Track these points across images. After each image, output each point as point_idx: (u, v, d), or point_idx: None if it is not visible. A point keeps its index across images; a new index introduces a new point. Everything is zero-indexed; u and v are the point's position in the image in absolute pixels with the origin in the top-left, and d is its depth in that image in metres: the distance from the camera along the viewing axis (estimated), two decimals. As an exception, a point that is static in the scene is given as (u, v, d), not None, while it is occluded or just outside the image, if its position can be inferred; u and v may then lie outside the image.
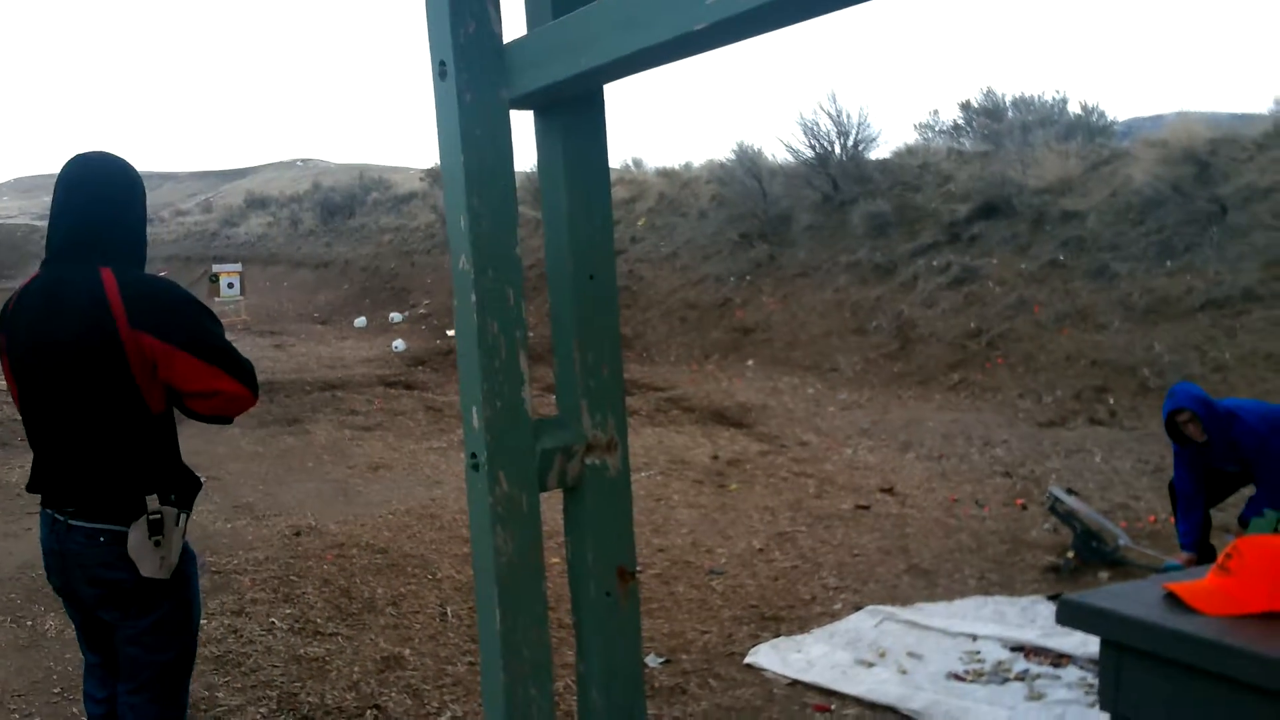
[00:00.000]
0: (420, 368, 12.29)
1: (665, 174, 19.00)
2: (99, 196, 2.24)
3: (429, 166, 28.75)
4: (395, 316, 17.98)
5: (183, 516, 2.28)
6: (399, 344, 14.26)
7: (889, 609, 4.29)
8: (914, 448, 7.52)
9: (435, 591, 4.60)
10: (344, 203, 28.52)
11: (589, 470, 1.65)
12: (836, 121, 14.49)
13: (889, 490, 6.34)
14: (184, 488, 2.31)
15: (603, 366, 1.66)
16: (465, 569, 4.92)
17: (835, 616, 4.30)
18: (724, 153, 16.86)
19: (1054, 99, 15.45)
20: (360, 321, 18.22)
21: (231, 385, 2.22)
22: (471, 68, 1.50)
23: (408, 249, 21.91)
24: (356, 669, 3.76)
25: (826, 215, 13.86)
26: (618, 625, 1.66)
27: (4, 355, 2.30)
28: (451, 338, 15.06)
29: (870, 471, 6.87)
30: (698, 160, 19.01)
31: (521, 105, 1.60)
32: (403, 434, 8.42)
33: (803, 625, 4.21)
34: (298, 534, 5.45)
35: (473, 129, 1.51)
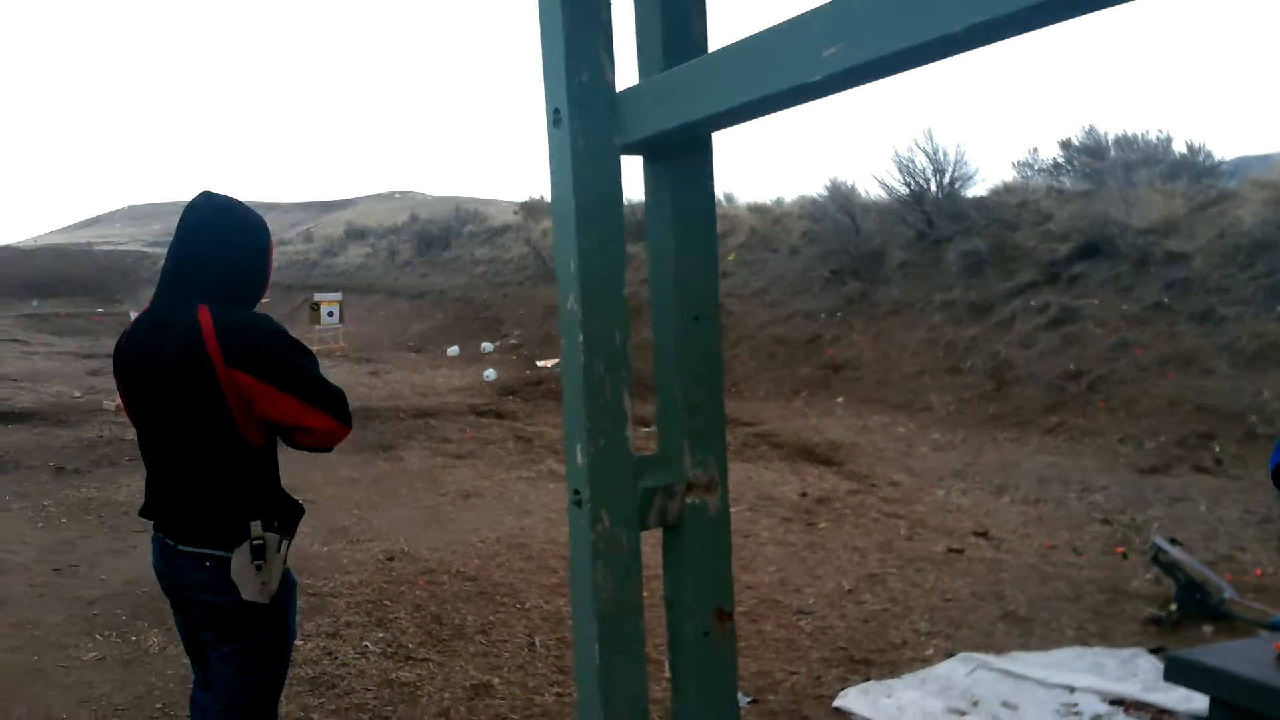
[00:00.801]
0: (511, 397, 12.45)
1: (757, 209, 19.02)
2: (210, 238, 2.33)
3: (523, 200, 29.28)
4: (487, 346, 18.27)
5: (284, 543, 2.35)
6: (490, 373, 14.47)
7: (982, 656, 4.19)
8: (1009, 491, 7.36)
9: (524, 621, 4.65)
10: (439, 234, 29.17)
11: (689, 509, 1.67)
12: (932, 158, 14.36)
13: (983, 534, 6.21)
14: (286, 515, 2.38)
15: (705, 407, 1.68)
16: (553, 599, 4.96)
17: (927, 662, 4.22)
18: (816, 189, 16.85)
19: (1158, 137, 15.10)
20: (453, 351, 18.54)
21: (324, 421, 2.30)
22: (585, 115, 1.55)
23: (500, 280, 22.28)
24: (447, 695, 3.81)
25: (920, 253, 13.71)
26: (714, 665, 1.67)
27: (120, 383, 2.41)
28: (541, 368, 15.24)
29: (963, 514, 6.74)
30: (789, 196, 19.01)
31: (632, 151, 1.63)
32: (493, 463, 8.54)
33: (893, 670, 4.14)
34: (391, 559, 5.56)
35: (584, 174, 1.55)
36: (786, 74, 1.20)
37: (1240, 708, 1.72)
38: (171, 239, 2.40)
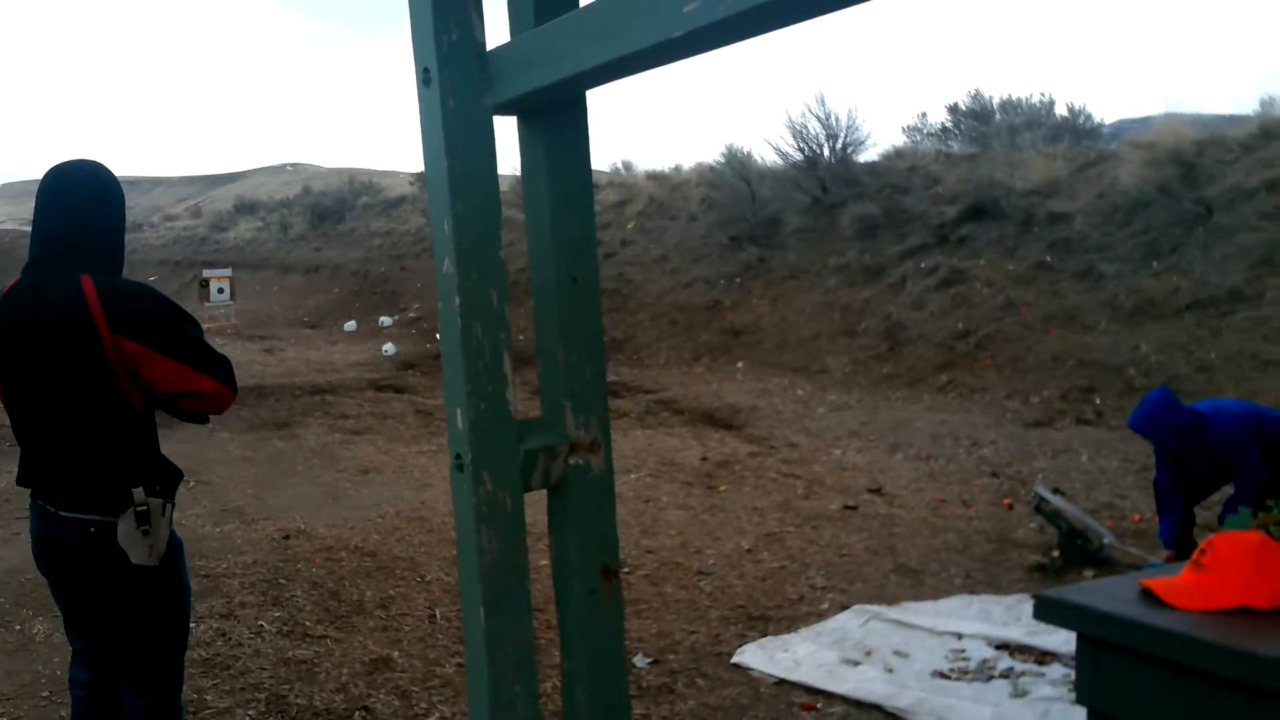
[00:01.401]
0: (410, 371, 12.29)
1: (655, 177, 19.06)
2: (77, 204, 2.32)
3: (418, 171, 28.78)
4: (385, 320, 17.98)
5: (168, 506, 2.37)
6: (389, 348, 14.26)
7: (876, 608, 4.32)
8: (902, 448, 7.56)
9: (424, 594, 4.62)
10: (334, 207, 28.52)
11: (572, 470, 1.67)
12: (825, 124, 14.55)
13: (877, 491, 6.38)
14: (167, 479, 2.40)
15: (586, 368, 1.68)
16: (454, 571, 4.93)
17: (822, 616, 4.33)
18: (713, 155, 16.95)
19: (1041, 101, 15.56)
20: (350, 325, 18.21)
21: (210, 384, 2.32)
22: (455, 74, 1.52)
23: (397, 253, 21.92)
24: (345, 671, 3.77)
25: (816, 218, 13.92)
26: (602, 623, 1.68)
27: None
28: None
29: (858, 472, 6.90)
30: (687, 163, 19.11)
31: (504, 111, 1.62)
32: (392, 437, 8.43)
33: (790, 625, 4.23)
34: (287, 537, 5.46)
35: (456, 135, 1.53)
36: (650, 30, 1.20)
37: (1106, 642, 1.80)
38: (35, 210, 2.36)
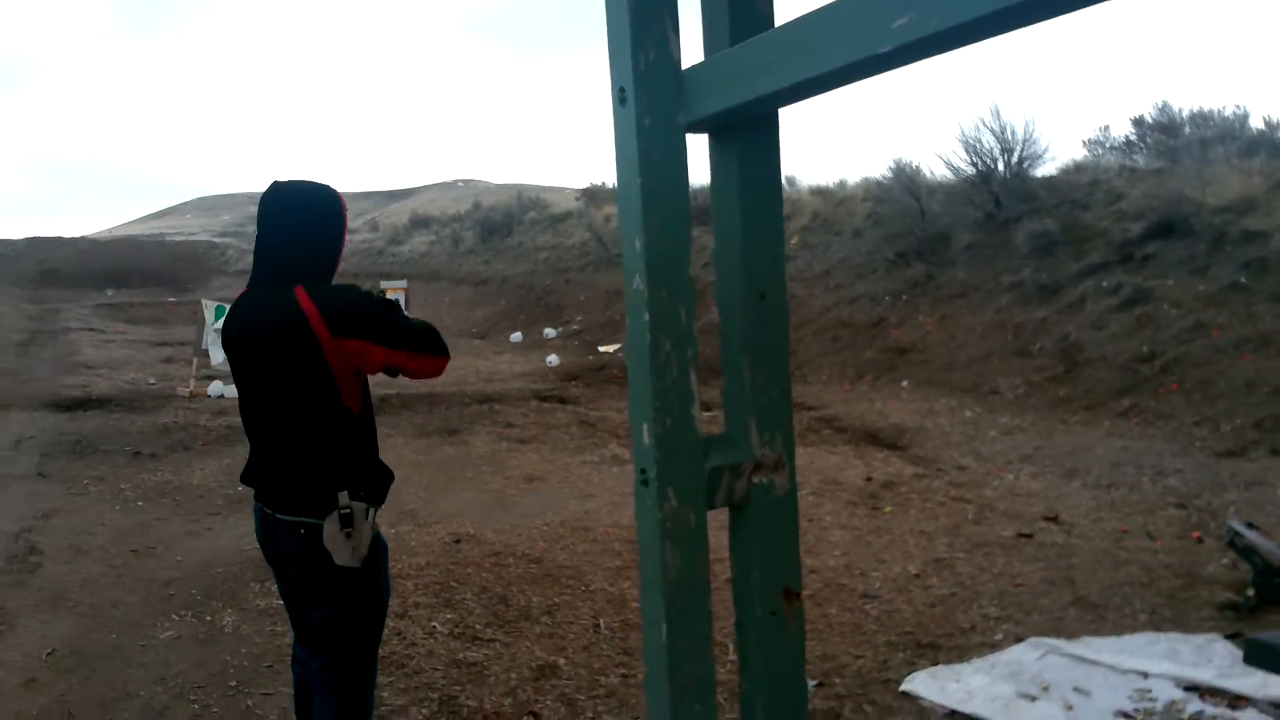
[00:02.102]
0: (573, 383, 12.51)
1: (820, 192, 18.85)
2: (297, 222, 2.49)
3: (584, 186, 29.33)
4: (549, 332, 18.37)
5: (371, 510, 2.53)
6: (553, 359, 14.55)
7: (1053, 641, 4.13)
8: (1080, 475, 7.22)
9: (589, 603, 4.68)
10: (502, 221, 29.35)
11: (756, 489, 1.66)
12: (999, 137, 14.08)
13: (1053, 519, 6.10)
14: (376, 483, 2.57)
15: (772, 386, 1.66)
16: (617, 582, 4.98)
17: (996, 647, 4.17)
18: (880, 170, 16.64)
19: (1234, 114, 14.67)
20: (516, 337, 18.67)
21: (430, 362, 2.55)
22: (651, 94, 1.54)
23: (562, 266, 22.37)
24: (513, 675, 3.85)
25: (988, 234, 13.48)
26: (782, 645, 1.66)
27: (230, 359, 2.61)
28: (604, 353, 15.29)
29: (1033, 499, 6.63)
30: (853, 178, 18.81)
31: (698, 129, 1.62)
32: (557, 447, 8.59)
33: (961, 654, 4.09)
34: (457, 541, 5.63)
35: (650, 153, 1.54)
36: (855, 46, 1.18)
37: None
38: (259, 225, 2.55)
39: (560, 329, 18.47)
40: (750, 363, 1.59)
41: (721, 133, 1.59)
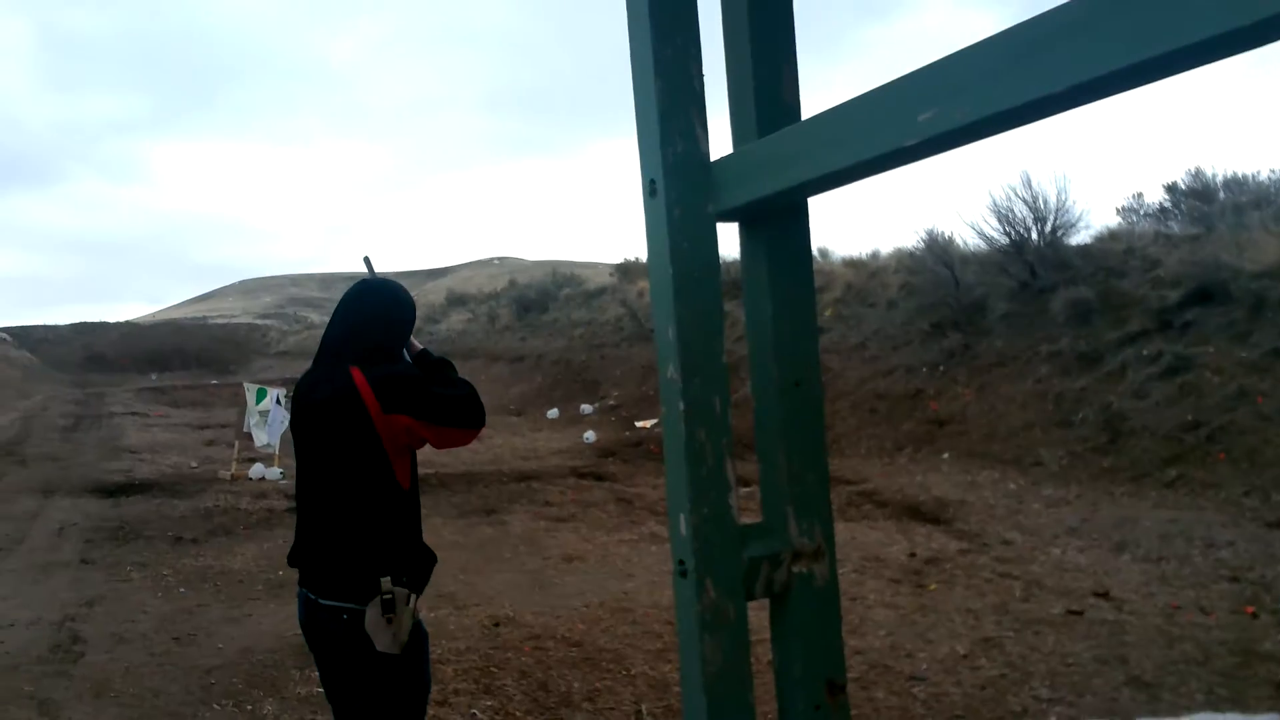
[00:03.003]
0: (610, 459, 12.49)
1: (852, 264, 18.88)
2: (363, 313, 2.68)
3: (618, 262, 29.63)
4: (586, 408, 18.40)
5: (413, 597, 2.54)
6: (589, 435, 14.56)
7: (1108, 725, 4.00)
8: (1129, 549, 7.06)
9: (629, 688, 4.61)
10: (537, 298, 29.65)
11: (796, 579, 1.64)
12: (1032, 206, 14.07)
13: (1103, 594, 5.96)
14: (418, 567, 2.60)
15: (809, 474, 1.65)
16: (658, 665, 4.91)
17: (1048, 731, 4.05)
18: (912, 240, 16.66)
19: (1269, 178, 14.60)
20: (553, 413, 18.72)
21: (468, 436, 2.62)
22: (679, 185, 1.56)
23: (598, 342, 22.48)
24: (554, 765, 3.79)
25: (1024, 303, 13.41)
26: (828, 740, 1.62)
27: (294, 436, 2.71)
28: (640, 429, 15.27)
29: (1081, 574, 6.48)
30: (885, 248, 18.81)
31: (727, 218, 1.64)
32: (594, 525, 8.55)
33: (1012, 739, 3.98)
34: (496, 625, 5.58)
35: (680, 243, 1.56)
36: (882, 139, 1.19)
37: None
38: (333, 315, 2.74)
39: (596, 404, 18.50)
40: (786, 451, 1.59)
41: (751, 222, 1.60)
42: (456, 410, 2.57)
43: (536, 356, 24.03)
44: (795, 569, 1.57)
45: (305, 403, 2.63)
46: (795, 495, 1.58)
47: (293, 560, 2.67)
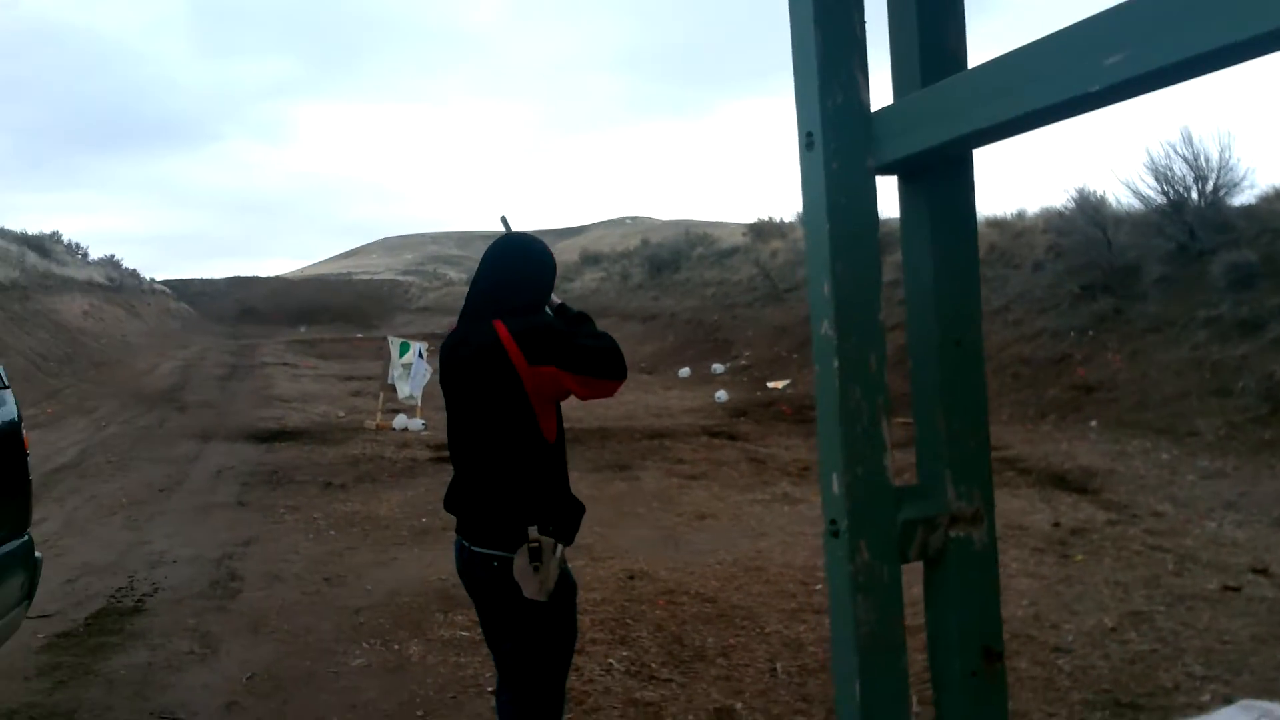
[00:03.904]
0: (742, 419, 12.46)
1: (996, 224, 18.25)
2: (505, 269, 2.73)
3: (751, 222, 29.37)
4: (717, 368, 18.38)
5: (559, 546, 2.59)
6: (721, 395, 14.54)
7: (1266, 705, 3.80)
8: (1292, 524, 6.68)
9: (764, 645, 4.61)
10: (669, 258, 29.68)
11: (953, 543, 1.59)
12: (1192, 165, 13.31)
13: (1263, 571, 5.66)
14: (566, 517, 2.65)
15: (969, 436, 1.60)
16: (792, 625, 4.90)
17: (1202, 709, 3.88)
18: (1061, 199, 15.97)
19: None
20: (684, 372, 18.77)
21: (611, 387, 2.65)
22: (839, 138, 1.51)
23: (730, 302, 22.40)
24: (691, 717, 3.83)
25: (1181, 266, 12.74)
26: (984, 709, 1.58)
27: (444, 391, 2.80)
28: (772, 389, 15.18)
29: (1238, 549, 6.17)
30: (1032, 208, 18.09)
31: (886, 172, 1.59)
32: (726, 484, 8.56)
33: (1164, 716, 3.83)
34: (631, 578, 5.66)
35: (838, 197, 1.52)
36: (1061, 85, 1.13)
37: None
38: (477, 272, 2.81)
39: (728, 364, 18.46)
40: (945, 412, 1.54)
41: (912, 175, 1.55)
42: (601, 361, 2.60)
43: (669, 315, 24.10)
44: (953, 533, 1.52)
45: (453, 357, 2.70)
46: (954, 457, 1.53)
47: (448, 506, 2.77)
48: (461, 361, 2.65)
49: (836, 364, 1.51)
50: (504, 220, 3.15)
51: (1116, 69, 1.08)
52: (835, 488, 1.52)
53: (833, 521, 1.52)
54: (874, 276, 1.52)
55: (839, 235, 1.51)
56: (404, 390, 13.00)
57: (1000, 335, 13.73)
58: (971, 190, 1.61)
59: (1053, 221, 15.92)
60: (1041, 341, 13.05)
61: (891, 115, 1.50)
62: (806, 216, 1.59)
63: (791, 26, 1.59)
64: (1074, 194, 15.08)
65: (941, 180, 1.57)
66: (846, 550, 1.50)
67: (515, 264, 2.75)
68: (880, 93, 1.51)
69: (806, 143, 1.55)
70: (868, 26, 1.59)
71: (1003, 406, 11.97)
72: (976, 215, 1.61)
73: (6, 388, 3.88)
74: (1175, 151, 13.47)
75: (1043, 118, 1.27)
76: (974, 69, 1.30)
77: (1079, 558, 6.06)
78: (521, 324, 2.57)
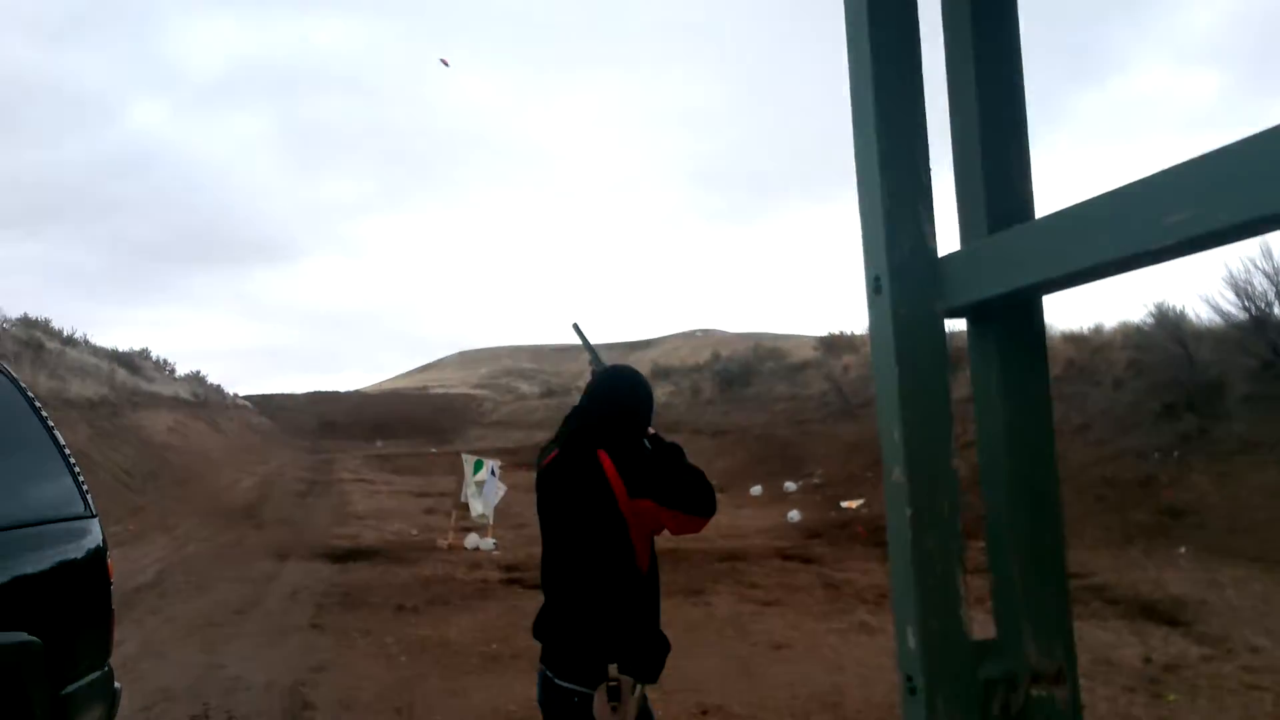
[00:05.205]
0: (816, 540, 12.24)
1: (1072, 339, 17.98)
2: (609, 398, 2.84)
3: (822, 335, 29.35)
4: (790, 486, 18.16)
5: (639, 686, 2.57)
6: (794, 514, 14.34)
7: None
8: (1402, 661, 6.29)
9: (840, 788, 4.44)
10: (740, 372, 29.71)
11: (1035, 703, 1.53)
12: (1273, 279, 13.04)
13: (1372, 713, 5.32)
14: (650, 655, 2.64)
15: (1048, 588, 1.55)
16: (869, 764, 4.71)
17: None
18: (1139, 314, 15.72)
19: None
20: (756, 490, 18.58)
21: (704, 524, 2.72)
22: (905, 283, 1.52)
23: (801, 417, 22.24)
24: None
25: (1268, 384, 12.37)
26: None
27: (539, 511, 2.85)
28: (846, 509, 14.92)
29: (1347, 689, 5.82)
30: (1109, 321, 17.78)
31: (955, 315, 1.59)
32: (801, 611, 8.36)
33: None
34: (705, 713, 5.52)
35: (906, 342, 1.52)
36: (1122, 243, 1.13)
37: None
38: (583, 398, 2.93)
39: (800, 482, 18.23)
40: (1022, 563, 1.50)
41: (981, 319, 1.55)
42: (696, 498, 2.66)
43: (739, 430, 23.99)
44: (1034, 692, 1.47)
45: (551, 482, 2.77)
46: (1032, 611, 1.49)
47: (536, 634, 2.78)
48: (561, 488, 2.72)
49: (909, 512, 1.49)
50: (576, 327, 3.24)
51: (1180, 227, 1.08)
52: (910, 642, 1.48)
53: (909, 678, 1.48)
54: (945, 422, 1.51)
55: (908, 380, 1.50)
56: (477, 508, 13.06)
57: (1081, 455, 13.39)
58: (1042, 333, 1.60)
59: (1131, 336, 15.65)
60: (1125, 462, 12.69)
61: (960, 261, 1.51)
62: (875, 361, 1.59)
63: (857, 171, 1.61)
64: (1152, 309, 14.85)
65: (1011, 324, 1.56)
66: (924, 711, 1.46)
67: (623, 397, 2.84)
68: (946, 232, 1.52)
69: (874, 286, 1.56)
70: (932, 167, 1.62)
71: (1086, 530, 11.58)
72: (1048, 360, 1.60)
73: (94, 516, 3.97)
74: (1255, 266, 13.24)
75: (1108, 270, 1.27)
76: (1040, 220, 1.31)
77: (1172, 698, 5.75)
78: (623, 456, 2.64)
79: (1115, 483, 12.33)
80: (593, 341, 3.31)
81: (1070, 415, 14.66)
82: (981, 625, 1.55)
